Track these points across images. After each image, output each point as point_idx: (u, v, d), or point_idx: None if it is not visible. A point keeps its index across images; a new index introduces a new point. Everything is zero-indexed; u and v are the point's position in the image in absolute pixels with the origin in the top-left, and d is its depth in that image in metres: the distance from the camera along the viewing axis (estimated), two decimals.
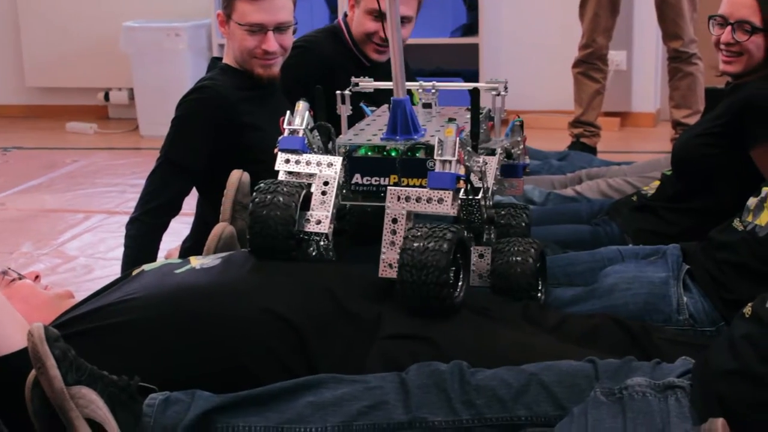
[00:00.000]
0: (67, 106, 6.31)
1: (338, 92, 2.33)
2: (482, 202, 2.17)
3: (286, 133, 2.12)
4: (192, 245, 2.83)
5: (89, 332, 1.96)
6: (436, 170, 1.96)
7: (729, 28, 2.65)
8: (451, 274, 1.91)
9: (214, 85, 2.75)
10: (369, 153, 2.14)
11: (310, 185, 2.09)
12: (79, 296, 2.31)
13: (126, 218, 2.81)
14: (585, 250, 2.60)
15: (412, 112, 2.14)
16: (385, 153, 2.12)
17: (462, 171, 1.97)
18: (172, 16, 5.83)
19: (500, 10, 5.59)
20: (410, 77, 3.59)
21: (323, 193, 2.09)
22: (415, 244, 1.88)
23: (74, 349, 1.78)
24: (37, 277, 2.30)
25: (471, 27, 5.58)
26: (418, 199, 1.98)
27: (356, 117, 2.39)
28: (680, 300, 2.24)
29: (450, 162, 1.95)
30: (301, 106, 2.15)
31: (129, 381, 1.81)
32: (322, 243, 2.09)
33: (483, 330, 1.97)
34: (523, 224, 2.36)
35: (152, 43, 5.63)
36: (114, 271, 3.25)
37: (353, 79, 2.46)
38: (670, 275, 2.28)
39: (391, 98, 2.14)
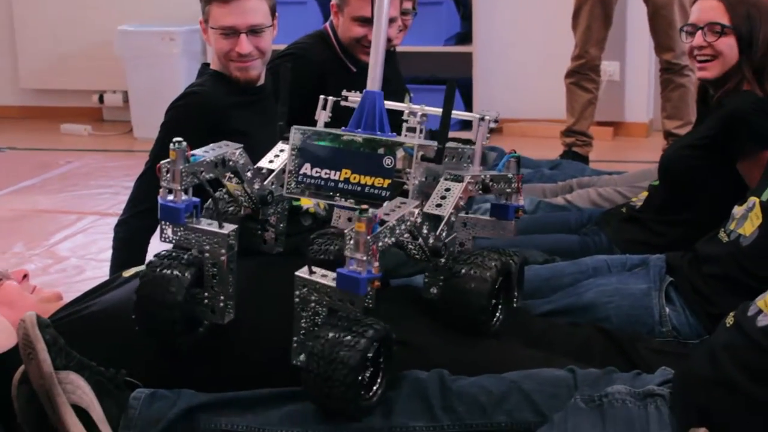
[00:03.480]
0: (62, 108, 6.32)
1: (321, 96, 2.17)
2: (424, 239, 1.87)
3: (162, 195, 1.81)
4: None
5: (76, 333, 1.98)
6: (346, 268, 1.66)
7: (699, 32, 2.68)
8: (367, 375, 1.73)
9: (202, 91, 2.75)
10: (322, 142, 1.94)
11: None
12: (69, 297, 2.32)
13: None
14: (573, 259, 2.61)
15: (382, 109, 1.98)
16: (340, 144, 1.92)
17: (377, 269, 1.66)
18: (166, 20, 5.84)
19: (494, 19, 5.60)
20: (401, 84, 3.63)
21: (213, 276, 1.84)
22: (330, 334, 1.67)
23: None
24: (25, 276, 2.28)
25: (465, 36, 5.62)
26: (329, 296, 1.73)
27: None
28: (662, 311, 2.25)
29: (361, 262, 1.65)
30: (176, 154, 1.81)
31: (116, 373, 1.85)
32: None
33: (464, 338, 1.96)
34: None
35: (147, 47, 5.65)
36: (105, 272, 3.22)
37: (344, 93, 2.25)
38: (652, 287, 2.29)
39: (365, 90, 1.99)
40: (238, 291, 1.87)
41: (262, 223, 2.06)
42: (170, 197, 1.79)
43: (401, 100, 2.18)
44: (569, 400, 1.71)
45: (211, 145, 1.94)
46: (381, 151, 1.88)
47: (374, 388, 1.75)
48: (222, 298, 1.85)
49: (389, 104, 2.08)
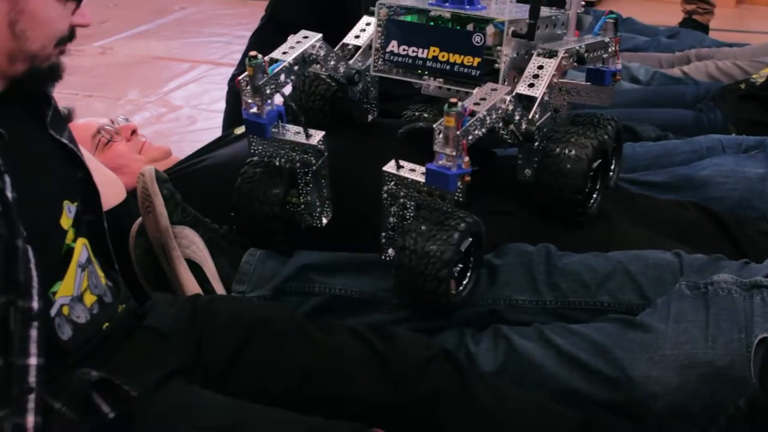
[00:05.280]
0: None
1: None
2: (516, 124, 1.80)
3: (245, 108, 1.77)
4: None
5: (190, 185, 2.01)
6: (435, 164, 1.61)
7: None
8: (458, 269, 1.68)
9: None
10: (409, 18, 1.86)
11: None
12: (181, 146, 2.38)
13: (230, 70, 2.86)
14: (685, 137, 2.57)
15: None
16: (428, 20, 1.84)
17: (467, 163, 1.60)
18: None
19: None
20: None
21: (307, 183, 1.84)
22: (423, 227, 1.62)
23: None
24: (133, 132, 2.32)
25: None
26: (418, 191, 1.68)
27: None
28: None
29: (451, 157, 1.60)
30: (252, 69, 1.71)
31: (229, 230, 1.88)
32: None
33: None
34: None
35: None
36: (216, 123, 3.31)
37: None
38: None
39: None
40: (331, 191, 1.85)
41: (352, 99, 2.04)
42: (253, 110, 1.75)
43: None
44: (674, 285, 1.70)
45: (291, 40, 1.87)
46: (470, 27, 1.80)
47: (464, 282, 1.71)
48: (318, 203, 1.85)
49: None
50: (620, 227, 1.99)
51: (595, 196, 1.93)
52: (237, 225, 1.88)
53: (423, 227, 1.62)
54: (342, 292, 1.83)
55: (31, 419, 1.28)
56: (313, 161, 1.80)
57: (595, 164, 1.87)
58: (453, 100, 1.55)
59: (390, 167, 1.70)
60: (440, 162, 1.59)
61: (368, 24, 1.98)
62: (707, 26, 4.50)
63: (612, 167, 2.07)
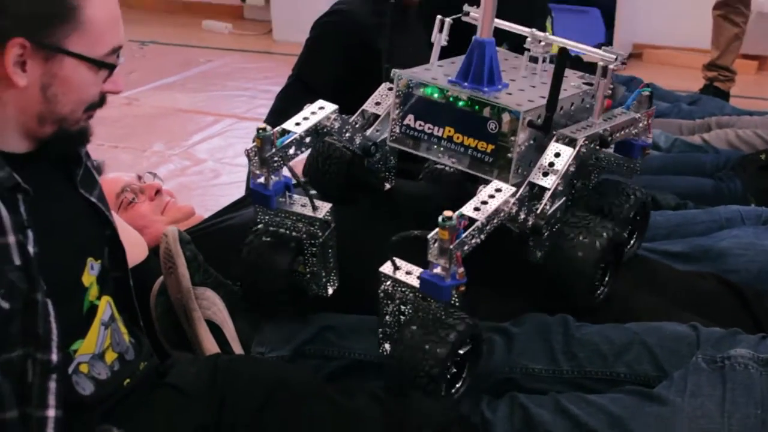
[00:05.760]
0: (204, 4, 6.43)
1: (438, 17, 1.99)
2: (522, 222, 1.76)
3: (252, 177, 1.76)
4: None
5: (213, 245, 2.03)
6: (429, 272, 1.57)
7: None
8: (450, 373, 1.64)
9: (349, 10, 2.77)
10: (428, 94, 1.81)
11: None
12: (205, 199, 2.40)
13: (254, 125, 2.87)
14: (705, 205, 2.58)
15: (494, 58, 1.80)
16: (447, 98, 1.79)
17: (461, 274, 1.57)
18: None
19: None
20: (544, 5, 3.55)
21: (313, 254, 1.82)
22: (412, 345, 1.58)
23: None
24: (158, 191, 2.33)
25: None
26: (414, 294, 1.64)
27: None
28: None
29: (445, 268, 1.56)
30: (261, 141, 1.69)
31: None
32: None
33: None
34: (622, 214, 1.99)
35: None
36: (240, 177, 3.36)
37: (465, 7, 2.04)
38: None
39: (473, 37, 1.81)
40: (339, 260, 1.85)
41: (370, 169, 2.02)
42: (260, 180, 1.74)
43: (543, 23, 2.07)
44: (690, 358, 1.71)
45: (307, 109, 1.85)
46: (486, 113, 1.75)
47: (457, 385, 1.67)
48: (323, 273, 1.84)
49: (512, 27, 1.97)
50: (638, 298, 1.99)
51: (603, 287, 1.89)
52: (245, 295, 1.87)
53: (421, 325, 1.60)
54: (361, 356, 1.84)
55: None
56: (320, 233, 1.79)
57: (608, 255, 1.83)
58: (448, 213, 1.52)
59: (386, 269, 1.67)
60: (434, 271, 1.57)
61: (390, 89, 1.96)
62: (728, 93, 4.54)
63: (632, 241, 2.06)
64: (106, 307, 1.51)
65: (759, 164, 2.84)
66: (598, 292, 1.88)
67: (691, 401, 1.62)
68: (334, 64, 2.74)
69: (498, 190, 1.70)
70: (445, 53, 2.00)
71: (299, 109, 1.97)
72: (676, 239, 2.37)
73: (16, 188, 1.33)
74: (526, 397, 1.72)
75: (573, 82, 1.92)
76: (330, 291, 1.86)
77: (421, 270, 1.61)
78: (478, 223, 1.61)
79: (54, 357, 1.33)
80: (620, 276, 1.94)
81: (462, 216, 1.58)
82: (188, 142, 3.99)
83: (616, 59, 1.83)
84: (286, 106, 2.75)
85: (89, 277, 1.47)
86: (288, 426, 1.56)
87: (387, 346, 1.71)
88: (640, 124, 2.00)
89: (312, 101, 2.07)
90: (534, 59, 1.94)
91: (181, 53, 5.49)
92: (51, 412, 1.32)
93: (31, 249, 1.32)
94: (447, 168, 2.18)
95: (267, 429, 1.55)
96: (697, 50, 5.14)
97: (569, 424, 1.66)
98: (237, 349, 1.84)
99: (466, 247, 1.58)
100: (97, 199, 1.54)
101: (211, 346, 1.82)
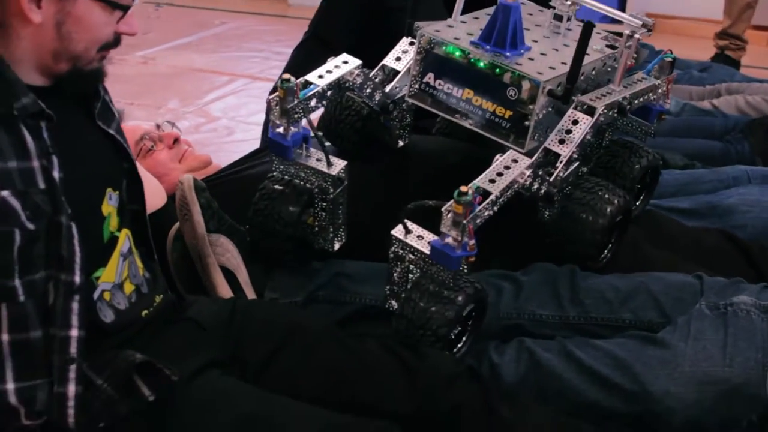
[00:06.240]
0: None
1: None
2: (535, 188, 1.77)
3: (272, 126, 1.77)
4: None
5: (229, 193, 2.08)
6: (440, 241, 1.60)
7: None
8: (455, 332, 1.69)
9: None
10: (449, 53, 1.79)
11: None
12: (219, 156, 2.44)
13: (268, 84, 2.91)
14: (712, 166, 2.61)
15: (518, 22, 1.78)
16: (468, 60, 1.77)
17: (472, 246, 1.59)
18: None
19: None
20: None
21: (323, 209, 1.86)
22: (421, 304, 1.62)
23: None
24: (176, 140, 2.36)
25: None
26: (424, 260, 1.66)
27: None
28: None
29: (456, 240, 1.59)
30: (284, 92, 1.71)
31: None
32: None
33: None
34: (629, 173, 2.00)
35: None
36: (254, 134, 3.41)
37: None
38: None
39: (499, 1, 1.78)
40: (350, 215, 1.88)
41: (386, 125, 2.05)
42: (279, 130, 1.76)
43: None
44: (694, 306, 1.75)
45: (331, 62, 1.87)
46: (506, 79, 1.74)
47: (459, 346, 1.72)
48: (332, 228, 1.87)
49: None
50: (644, 250, 2.04)
51: (606, 252, 1.91)
52: (251, 239, 1.91)
53: (431, 285, 1.63)
54: (373, 301, 1.89)
55: (72, 388, 1.37)
56: (331, 190, 1.82)
57: (616, 221, 1.86)
58: (464, 188, 1.55)
59: (398, 232, 1.69)
60: (446, 241, 1.59)
61: (411, 44, 1.97)
62: (739, 62, 4.55)
63: (639, 202, 2.09)
64: (125, 239, 1.55)
65: (767, 127, 2.87)
66: (603, 255, 1.91)
67: (694, 345, 1.67)
68: (350, 21, 2.76)
69: (514, 161, 1.73)
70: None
71: (316, 64, 1.99)
72: (683, 197, 2.41)
73: (39, 115, 1.37)
74: (533, 342, 1.77)
75: (596, 45, 1.91)
76: (336, 246, 1.89)
77: (432, 236, 1.64)
78: (492, 197, 1.64)
79: (77, 279, 1.38)
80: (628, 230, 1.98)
81: (477, 189, 1.61)
82: (203, 100, 4.02)
83: (643, 25, 1.83)
84: (302, 61, 2.78)
85: (108, 207, 1.51)
86: (301, 368, 1.60)
87: (394, 302, 1.75)
88: (660, 90, 2.00)
89: (327, 57, 2.06)
90: (559, 17, 1.94)
91: (195, 15, 5.50)
92: (74, 332, 1.37)
93: (56, 174, 1.36)
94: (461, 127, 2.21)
95: (280, 370, 1.60)
96: (710, 20, 5.15)
97: (575, 366, 1.71)
98: (250, 294, 1.88)
99: (479, 220, 1.61)
100: (115, 131, 1.57)
101: (225, 291, 1.86)
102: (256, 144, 2.91)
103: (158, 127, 2.36)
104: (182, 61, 4.61)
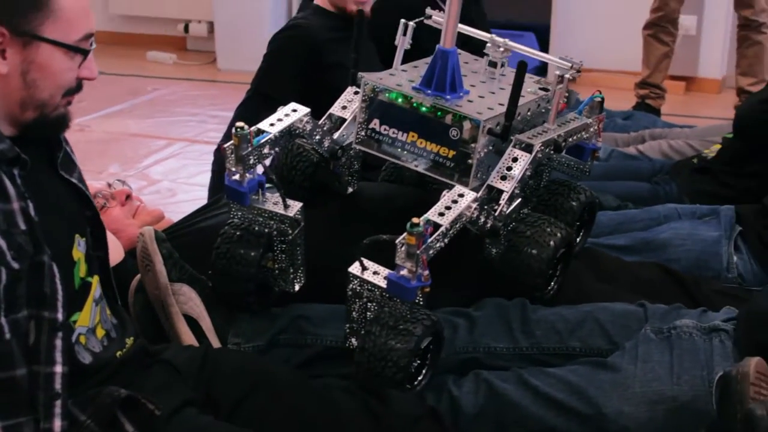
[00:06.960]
0: (148, 35, 6.46)
1: (402, 21, 2.03)
2: (482, 225, 1.86)
3: (228, 174, 1.82)
4: None
5: (187, 245, 2.11)
6: (396, 274, 1.68)
7: None
8: (414, 366, 1.74)
9: (306, 24, 2.89)
10: (393, 99, 1.87)
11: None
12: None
13: (206, 147, 2.96)
14: (644, 206, 2.73)
15: (456, 67, 1.87)
16: (411, 104, 1.86)
17: (426, 277, 1.67)
18: None
19: None
20: (485, 27, 3.69)
21: (282, 251, 1.91)
22: (381, 338, 1.68)
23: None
24: (128, 196, 2.40)
25: None
26: (381, 294, 1.74)
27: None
28: (730, 259, 2.38)
29: (411, 271, 1.66)
30: (239, 139, 1.77)
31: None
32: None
33: None
34: (570, 209, 2.09)
35: None
36: (196, 195, 3.46)
37: (428, 10, 2.11)
38: (723, 234, 2.41)
39: (437, 46, 1.86)
40: (306, 259, 1.93)
41: (335, 172, 2.10)
42: (235, 177, 1.81)
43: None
44: (639, 331, 1.85)
45: (281, 111, 1.94)
46: (448, 120, 1.82)
47: (419, 378, 1.77)
48: (291, 270, 1.92)
49: (475, 32, 2.08)
50: (587, 283, 2.13)
51: (553, 283, 2.00)
52: (214, 284, 1.95)
53: (389, 319, 1.70)
54: (333, 342, 1.94)
55: (58, 423, 1.41)
56: (290, 231, 1.88)
57: (560, 253, 1.94)
58: (415, 220, 1.63)
59: (355, 269, 1.76)
60: (401, 273, 1.67)
61: (356, 93, 2.02)
62: (659, 110, 4.73)
63: (578, 237, 2.18)
64: (97, 285, 1.60)
65: (691, 167, 3.00)
66: (550, 287, 2.00)
67: (643, 366, 1.77)
68: (291, 77, 2.84)
69: (461, 195, 1.80)
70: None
71: (261, 119, 2.01)
72: (618, 234, 2.53)
73: (15, 160, 1.42)
74: (490, 373, 1.85)
75: (530, 88, 2.02)
76: (296, 287, 1.95)
77: (387, 270, 1.71)
78: (442, 228, 1.72)
79: (60, 316, 1.42)
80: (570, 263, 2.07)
81: (428, 222, 1.69)
82: (142, 164, 4.06)
83: (571, 67, 1.95)
84: (247, 117, 2.83)
85: (78, 252, 1.56)
86: (271, 413, 1.66)
87: (353, 340, 1.81)
88: (591, 129, 2.11)
89: (271, 112, 2.07)
90: (493, 64, 2.05)
91: (127, 83, 5.53)
92: (58, 368, 1.41)
93: (33, 214, 1.42)
94: (405, 172, 2.29)
95: (250, 414, 1.65)
96: (628, 72, 5.33)
97: (531, 394, 1.79)
98: (214, 341, 1.92)
99: (431, 251, 1.69)
100: (77, 180, 1.62)
101: (189, 338, 1.89)
102: (199, 203, 2.93)
103: (109, 185, 2.40)
104: (118, 127, 4.64)
